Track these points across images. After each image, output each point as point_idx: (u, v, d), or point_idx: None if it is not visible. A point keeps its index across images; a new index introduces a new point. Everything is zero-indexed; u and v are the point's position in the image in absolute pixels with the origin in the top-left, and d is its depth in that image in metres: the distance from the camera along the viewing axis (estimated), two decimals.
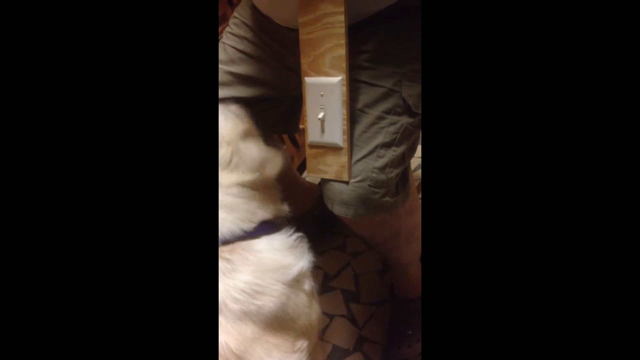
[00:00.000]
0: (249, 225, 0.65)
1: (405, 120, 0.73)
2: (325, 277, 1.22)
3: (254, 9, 0.84)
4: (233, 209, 0.64)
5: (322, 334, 1.10)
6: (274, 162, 0.69)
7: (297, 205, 1.27)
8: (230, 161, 0.65)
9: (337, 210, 0.74)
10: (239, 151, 0.66)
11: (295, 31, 0.71)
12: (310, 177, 0.80)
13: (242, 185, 0.65)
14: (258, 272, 0.62)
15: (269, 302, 0.61)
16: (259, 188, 0.68)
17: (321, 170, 0.73)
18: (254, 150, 0.66)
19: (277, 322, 0.63)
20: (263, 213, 0.68)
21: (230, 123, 0.68)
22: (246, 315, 0.60)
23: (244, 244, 0.63)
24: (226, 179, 0.63)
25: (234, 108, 0.76)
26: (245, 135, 0.67)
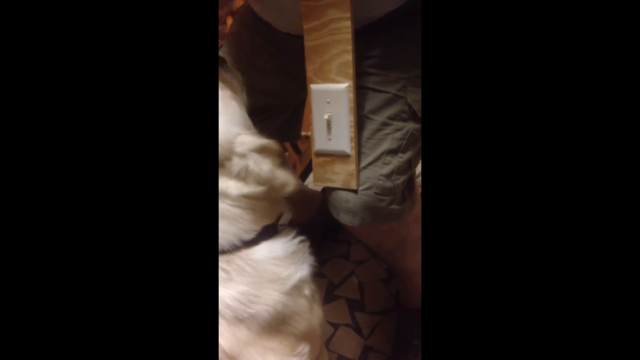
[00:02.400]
0: (250, 236, 0.63)
1: (411, 126, 0.72)
2: (329, 286, 1.21)
3: (255, 16, 0.84)
4: (237, 219, 0.62)
5: (327, 343, 1.08)
6: (286, 184, 0.66)
7: (300, 213, 1.27)
8: (239, 174, 0.62)
9: (343, 218, 0.72)
10: (252, 166, 0.63)
11: (297, 38, 0.70)
12: (316, 185, 0.77)
13: (249, 197, 0.62)
14: (255, 283, 0.61)
15: (263, 311, 0.60)
16: (265, 200, 0.66)
17: (328, 179, 0.72)
18: (267, 168, 0.63)
19: (273, 328, 0.62)
20: (266, 220, 0.66)
21: (250, 137, 0.65)
22: (240, 322, 0.59)
23: (242, 253, 0.61)
24: (234, 189, 0.61)
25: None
26: (262, 151, 0.64)
